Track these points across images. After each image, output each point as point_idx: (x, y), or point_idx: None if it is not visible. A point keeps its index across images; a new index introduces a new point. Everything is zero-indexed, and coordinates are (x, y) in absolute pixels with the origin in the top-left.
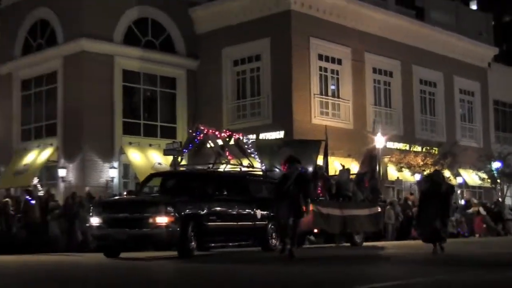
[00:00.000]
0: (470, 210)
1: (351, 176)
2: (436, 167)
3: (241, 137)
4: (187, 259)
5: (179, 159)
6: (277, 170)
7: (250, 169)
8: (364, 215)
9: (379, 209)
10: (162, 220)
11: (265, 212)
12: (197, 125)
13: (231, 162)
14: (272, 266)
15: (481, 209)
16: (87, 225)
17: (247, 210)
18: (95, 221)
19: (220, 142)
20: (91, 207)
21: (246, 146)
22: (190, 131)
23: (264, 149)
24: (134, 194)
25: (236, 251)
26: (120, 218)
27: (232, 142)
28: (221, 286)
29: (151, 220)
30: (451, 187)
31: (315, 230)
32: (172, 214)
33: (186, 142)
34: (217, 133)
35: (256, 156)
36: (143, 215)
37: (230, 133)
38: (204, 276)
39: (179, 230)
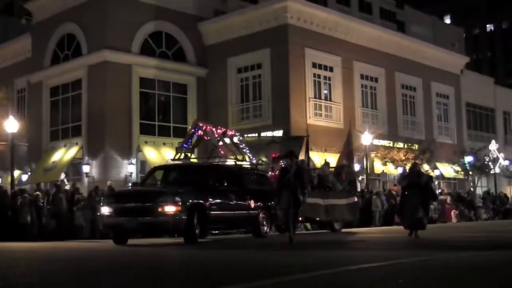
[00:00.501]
0: (440, 197)
1: (331, 169)
2: (417, 161)
3: (233, 133)
4: (192, 245)
5: (179, 155)
6: (275, 164)
7: (243, 162)
8: (342, 204)
9: (356, 199)
10: (170, 209)
11: (258, 202)
12: (196, 122)
13: (226, 156)
14: (269, 251)
15: (448, 198)
16: (98, 214)
17: (242, 200)
18: (105, 210)
19: (218, 138)
20: (102, 198)
21: (238, 142)
22: (190, 127)
23: (254, 145)
24: (139, 186)
25: (230, 237)
26: (131, 208)
27: (227, 139)
28: (232, 270)
29: (160, 209)
30: (430, 178)
31: (300, 218)
32: (179, 203)
33: (186, 138)
34: (213, 129)
35: (248, 151)
36: (152, 204)
37: (224, 130)
38: (213, 260)
39: (185, 218)
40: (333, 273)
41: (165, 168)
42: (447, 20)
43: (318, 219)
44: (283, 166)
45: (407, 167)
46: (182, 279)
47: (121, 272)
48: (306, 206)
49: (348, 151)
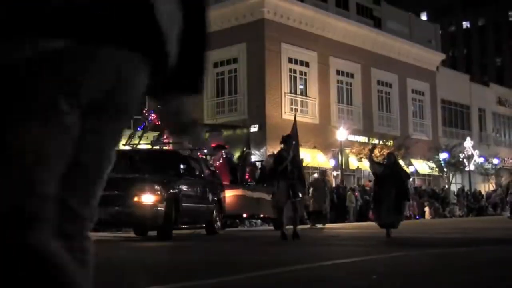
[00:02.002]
0: None
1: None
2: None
3: None
4: (168, 241)
5: (130, 140)
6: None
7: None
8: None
9: (300, 195)
10: (148, 199)
11: (213, 195)
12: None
13: (168, 143)
14: (239, 247)
15: None
16: None
17: (204, 192)
18: None
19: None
20: None
21: None
22: (144, 111)
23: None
24: None
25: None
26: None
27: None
28: (210, 265)
29: (135, 199)
30: (407, 174)
31: (244, 215)
32: (159, 193)
33: (140, 121)
34: None
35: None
36: (126, 193)
37: None
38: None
39: (163, 211)
40: (305, 269)
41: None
42: (424, 17)
43: (262, 215)
44: (278, 152)
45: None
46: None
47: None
48: (250, 202)
49: (295, 142)
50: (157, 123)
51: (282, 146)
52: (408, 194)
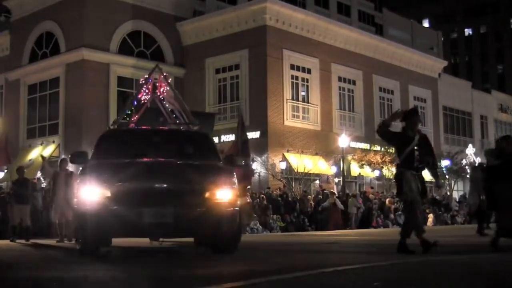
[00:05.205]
0: (326, 203)
1: None
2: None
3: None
4: (231, 254)
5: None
6: None
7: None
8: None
9: (248, 200)
10: (226, 195)
11: None
12: (155, 68)
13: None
14: (242, 255)
15: (337, 201)
16: (77, 200)
17: None
18: (95, 194)
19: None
20: (82, 170)
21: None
22: (141, 82)
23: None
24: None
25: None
26: (159, 190)
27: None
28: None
29: (208, 195)
30: None
31: None
32: (235, 186)
33: (135, 94)
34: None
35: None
36: (198, 186)
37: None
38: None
39: (238, 212)
40: (306, 276)
41: (128, 134)
42: (426, 24)
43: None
44: (399, 132)
45: (384, 170)
46: None
47: None
48: None
49: (242, 142)
50: (142, 101)
51: (404, 124)
52: None
